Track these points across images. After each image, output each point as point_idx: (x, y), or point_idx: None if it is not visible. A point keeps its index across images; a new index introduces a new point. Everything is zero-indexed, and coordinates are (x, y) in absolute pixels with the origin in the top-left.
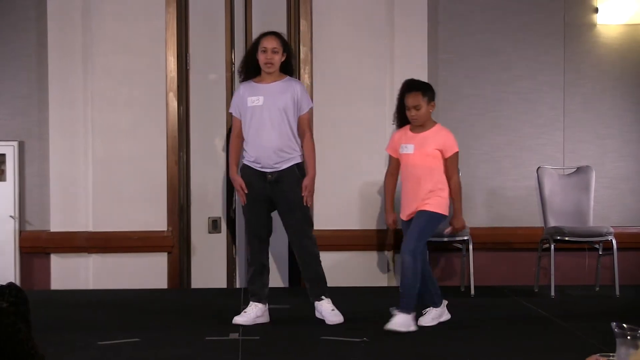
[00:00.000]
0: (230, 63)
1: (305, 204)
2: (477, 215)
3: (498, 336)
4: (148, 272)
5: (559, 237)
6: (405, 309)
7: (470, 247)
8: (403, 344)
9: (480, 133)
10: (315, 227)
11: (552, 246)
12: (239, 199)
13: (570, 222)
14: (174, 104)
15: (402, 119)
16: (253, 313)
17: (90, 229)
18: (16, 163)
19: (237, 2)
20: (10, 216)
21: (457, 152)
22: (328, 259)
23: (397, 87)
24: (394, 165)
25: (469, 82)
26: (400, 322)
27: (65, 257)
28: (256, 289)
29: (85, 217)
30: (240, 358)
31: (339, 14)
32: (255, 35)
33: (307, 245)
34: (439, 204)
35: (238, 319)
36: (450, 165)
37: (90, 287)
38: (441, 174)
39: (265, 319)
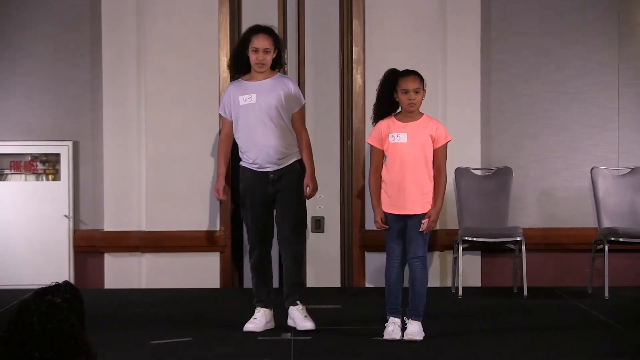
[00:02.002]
0: (282, 63)
1: (303, 204)
2: (530, 216)
3: (553, 338)
4: (200, 271)
5: (613, 238)
6: (418, 316)
7: (523, 247)
8: (456, 345)
9: (533, 133)
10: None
11: (606, 247)
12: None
13: (625, 223)
14: None
15: (383, 112)
16: (263, 319)
17: (144, 228)
18: (70, 163)
19: (289, 1)
20: (65, 215)
21: (449, 141)
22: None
23: (450, 86)
24: (379, 159)
25: (522, 82)
26: (417, 330)
27: (119, 256)
28: (263, 295)
29: (139, 216)
30: (292, 357)
31: (391, 13)
32: (308, 35)
33: (295, 247)
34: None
35: (249, 326)
36: (442, 155)
37: (143, 286)
38: (431, 166)
39: (272, 324)
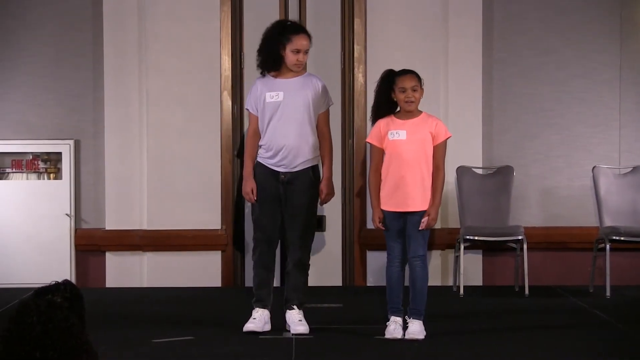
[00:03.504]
0: None
1: (313, 211)
2: (531, 215)
3: (554, 337)
4: (202, 270)
5: (614, 237)
6: (419, 315)
7: (525, 246)
8: (457, 344)
9: (535, 132)
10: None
11: (608, 246)
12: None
13: (626, 221)
14: (228, 103)
15: (381, 112)
16: (262, 319)
17: (145, 227)
18: (72, 161)
19: (291, 0)
20: (66, 214)
21: (448, 138)
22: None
23: (452, 85)
24: (379, 158)
25: (524, 81)
26: (419, 329)
27: (120, 255)
28: (263, 295)
29: (140, 215)
30: (293, 357)
31: (393, 12)
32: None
33: (302, 253)
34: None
35: (249, 326)
36: (441, 152)
37: (145, 285)
38: (431, 162)
39: (269, 326)
